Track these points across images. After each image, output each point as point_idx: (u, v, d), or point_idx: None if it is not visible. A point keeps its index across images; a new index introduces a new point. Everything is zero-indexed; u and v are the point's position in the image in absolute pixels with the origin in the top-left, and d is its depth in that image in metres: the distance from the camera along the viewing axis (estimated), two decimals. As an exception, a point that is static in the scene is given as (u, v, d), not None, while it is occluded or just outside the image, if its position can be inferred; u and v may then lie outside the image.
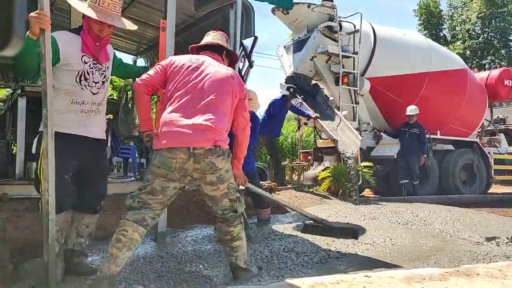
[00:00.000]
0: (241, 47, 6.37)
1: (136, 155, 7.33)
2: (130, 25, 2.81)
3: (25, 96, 4.95)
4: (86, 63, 2.67)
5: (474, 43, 22.43)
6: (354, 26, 7.99)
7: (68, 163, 2.58)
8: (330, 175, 7.13)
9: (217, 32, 3.03)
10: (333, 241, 3.96)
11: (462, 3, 23.75)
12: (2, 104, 9.50)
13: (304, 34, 8.22)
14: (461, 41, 22.87)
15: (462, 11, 23.47)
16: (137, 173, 6.69)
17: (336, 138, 6.97)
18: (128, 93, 8.86)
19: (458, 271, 2.71)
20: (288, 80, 8.03)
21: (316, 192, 7.22)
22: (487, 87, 9.98)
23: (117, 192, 4.94)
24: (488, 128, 10.79)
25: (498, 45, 22.63)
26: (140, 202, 2.47)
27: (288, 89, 7.42)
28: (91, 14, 2.55)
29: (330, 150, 8.24)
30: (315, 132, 8.96)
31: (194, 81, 2.62)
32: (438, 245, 3.88)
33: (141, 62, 9.74)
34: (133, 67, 3.44)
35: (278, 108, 7.18)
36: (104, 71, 2.79)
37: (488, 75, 10.42)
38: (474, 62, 21.62)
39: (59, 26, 6.34)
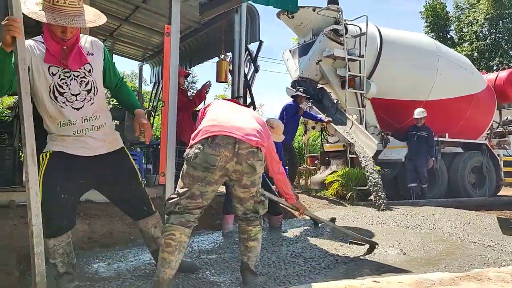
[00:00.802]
0: (247, 52, 6.39)
1: (143, 161, 7.35)
2: (95, 21, 2.31)
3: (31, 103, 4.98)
4: (54, 74, 2.27)
5: (482, 45, 22.26)
6: (360, 29, 7.96)
7: (69, 180, 2.35)
8: (337, 178, 7.09)
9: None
10: (341, 245, 3.91)
11: (469, 5, 23.60)
12: (9, 111, 9.58)
13: (310, 37, 8.20)
14: (469, 42, 22.70)
15: (469, 13, 23.31)
16: (143, 179, 6.70)
17: (352, 141, 6.86)
18: (134, 99, 8.95)
19: (468, 275, 2.65)
20: (294, 84, 8.01)
21: (324, 196, 7.18)
22: (496, 88, 9.87)
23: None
24: (497, 130, 10.67)
25: (506, 46, 22.44)
26: (180, 207, 2.48)
27: (297, 90, 7.34)
28: (44, 18, 2.13)
29: (337, 154, 8.20)
30: (322, 136, 8.92)
31: (235, 107, 2.92)
32: (448, 249, 3.82)
33: (146, 68, 9.80)
34: (129, 95, 2.72)
35: (290, 113, 7.10)
36: (84, 77, 2.35)
37: (496, 76, 10.33)
38: (482, 63, 21.45)
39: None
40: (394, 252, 3.71)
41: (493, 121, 9.95)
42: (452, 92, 8.62)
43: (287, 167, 7.30)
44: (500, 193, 9.85)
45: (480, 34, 22.74)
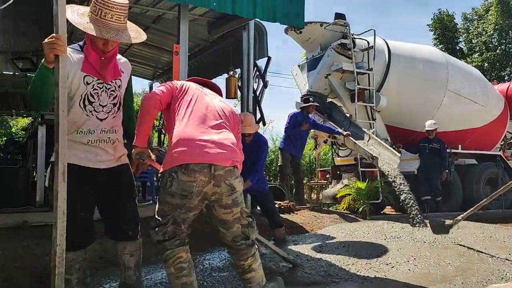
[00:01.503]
0: (255, 68, 6.43)
1: (154, 178, 7.36)
2: (137, 37, 2.39)
3: (45, 124, 5.06)
4: (88, 84, 2.34)
5: (492, 55, 22.09)
6: (368, 42, 7.97)
7: (85, 196, 2.38)
8: (349, 192, 7.02)
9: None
10: (356, 261, 3.85)
11: (477, 16, 23.55)
12: (23, 132, 9.75)
13: (318, 52, 8.24)
14: (479, 53, 22.56)
15: (477, 24, 23.23)
16: (155, 197, 6.71)
17: (376, 155, 6.74)
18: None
19: (486, 291, 2.58)
20: (303, 98, 8.01)
21: (336, 210, 7.11)
22: (508, 99, 9.75)
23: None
24: (511, 141, 10.50)
25: (516, 56, 22.27)
26: (169, 234, 2.41)
27: (306, 100, 7.23)
28: (92, 31, 2.22)
29: (348, 167, 8.13)
30: (332, 150, 8.88)
31: (205, 102, 2.57)
32: (465, 265, 3.73)
33: (157, 86, 9.88)
34: (133, 121, 2.71)
35: (293, 122, 6.99)
36: (113, 90, 2.43)
37: (508, 86, 10.20)
38: (493, 74, 21.26)
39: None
40: (408, 268, 3.64)
41: (507, 131, 9.80)
42: (464, 104, 8.54)
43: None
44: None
45: (490, 45, 22.60)
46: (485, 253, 4.11)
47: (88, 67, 2.33)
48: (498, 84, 10.96)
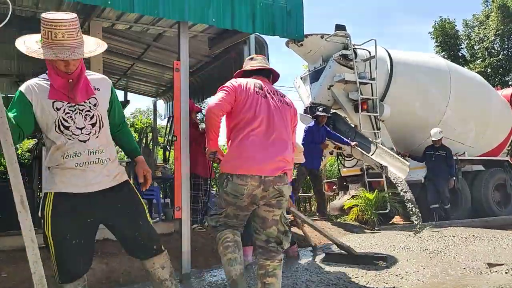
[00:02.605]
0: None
1: (160, 195, 7.36)
2: (95, 49, 2.27)
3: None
4: (58, 109, 2.24)
5: (495, 61, 22.04)
6: (369, 52, 7.99)
7: (81, 223, 2.28)
8: (356, 204, 6.95)
9: (259, 56, 3.22)
10: (365, 273, 3.80)
11: (478, 22, 23.58)
12: (29, 154, 9.80)
13: (320, 64, 8.26)
14: (481, 59, 22.51)
15: (479, 30, 23.25)
16: (162, 214, 6.68)
17: (385, 164, 6.72)
18: (149, 134, 9.04)
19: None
20: (307, 110, 8.01)
21: (344, 222, 7.04)
22: (512, 103, 9.69)
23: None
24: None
25: (519, 61, 22.21)
26: (221, 223, 2.81)
27: (316, 110, 7.25)
28: (46, 55, 2.11)
29: (355, 178, 8.08)
30: (338, 161, 8.83)
31: (264, 110, 2.76)
32: (476, 276, 3.66)
33: (160, 103, 9.96)
34: (130, 140, 2.66)
35: (309, 135, 7.02)
36: (88, 111, 2.31)
37: (512, 91, 10.16)
38: (496, 79, 21.19)
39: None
40: (418, 279, 3.57)
41: (513, 136, 9.72)
42: (468, 110, 8.50)
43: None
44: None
45: (492, 51, 22.57)
46: (498, 264, 4.02)
47: (55, 93, 2.24)
48: (502, 89, 10.92)
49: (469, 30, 24.05)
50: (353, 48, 7.84)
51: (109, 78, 8.02)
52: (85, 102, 2.30)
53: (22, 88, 2.23)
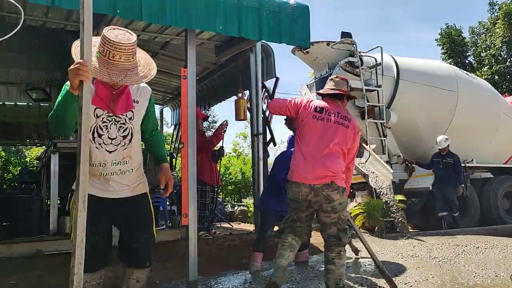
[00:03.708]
0: (264, 89, 6.46)
1: (167, 203, 7.35)
2: (144, 75, 2.31)
3: (57, 153, 5.11)
4: (98, 116, 2.32)
5: (502, 68, 21.96)
6: (375, 59, 7.98)
7: (99, 222, 2.40)
8: (362, 211, 6.91)
9: (338, 78, 3.59)
10: (375, 281, 3.76)
11: (485, 29, 23.53)
12: (37, 161, 9.87)
13: (326, 71, 8.25)
14: (488, 66, 22.44)
15: (485, 37, 23.20)
16: (168, 221, 6.68)
17: (366, 172, 6.78)
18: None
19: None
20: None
21: (351, 230, 6.97)
22: (521, 110, 9.60)
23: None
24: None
25: (527, 68, 22.08)
26: (286, 225, 3.43)
27: None
28: (102, 76, 2.17)
29: (361, 185, 8.02)
30: (344, 168, 8.78)
31: (318, 129, 3.32)
32: (488, 282, 3.62)
33: (167, 110, 10.00)
34: (160, 146, 2.77)
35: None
36: (123, 123, 2.39)
37: (520, 97, 10.09)
38: (504, 86, 21.08)
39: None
40: (427, 287, 3.53)
41: (522, 143, 9.62)
42: (475, 117, 8.44)
43: None
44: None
45: (499, 57, 22.49)
46: (508, 272, 3.97)
47: (98, 100, 2.30)
48: (510, 96, 10.84)
49: (476, 37, 24.01)
50: (359, 55, 7.84)
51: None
52: (122, 115, 2.37)
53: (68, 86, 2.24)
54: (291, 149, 3.89)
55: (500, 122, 8.80)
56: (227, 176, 13.12)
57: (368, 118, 7.59)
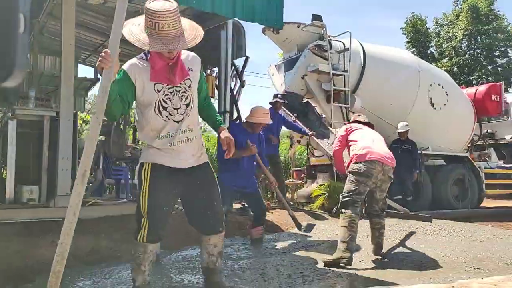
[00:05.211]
0: (233, 67, 6.45)
1: (129, 176, 7.28)
2: (193, 36, 2.39)
3: (15, 120, 4.93)
4: (159, 91, 2.45)
5: (461, 60, 22.79)
6: (344, 44, 8.11)
7: (170, 193, 2.59)
8: (324, 192, 7.12)
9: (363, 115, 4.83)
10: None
11: (448, 21, 24.24)
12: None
13: (295, 53, 8.32)
14: (448, 58, 23.22)
15: (448, 29, 23.92)
16: (130, 195, 6.63)
17: (332, 154, 6.91)
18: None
19: (453, 286, 2.69)
20: (281, 98, 8.07)
21: (310, 209, 7.19)
22: (475, 102, 10.10)
23: (109, 215, 4.87)
24: (478, 143, 10.89)
25: (484, 62, 23.04)
26: (352, 200, 3.87)
27: (275, 96, 7.20)
28: (158, 47, 2.28)
29: (323, 167, 8.24)
30: (308, 150, 8.98)
31: (366, 133, 4.26)
32: (434, 261, 3.88)
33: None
34: (214, 111, 2.92)
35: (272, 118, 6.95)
36: (184, 92, 2.50)
37: (476, 90, 10.57)
38: (461, 78, 21.93)
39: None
40: (382, 265, 3.75)
41: (474, 134, 10.16)
42: (435, 106, 8.79)
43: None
44: (482, 204, 10.02)
45: (460, 50, 23.30)
46: (455, 251, 4.27)
47: (156, 75, 2.42)
48: (466, 88, 11.34)
49: (439, 28, 24.69)
50: (328, 39, 7.93)
51: (79, 53, 7.86)
52: (181, 83, 2.50)
53: (125, 67, 2.44)
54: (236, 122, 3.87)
55: (457, 113, 9.23)
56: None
57: (333, 102, 7.75)
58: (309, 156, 9.06)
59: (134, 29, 2.32)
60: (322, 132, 7.44)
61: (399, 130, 7.92)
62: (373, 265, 3.76)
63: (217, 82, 6.15)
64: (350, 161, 4.03)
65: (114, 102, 2.29)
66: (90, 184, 6.92)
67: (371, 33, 62.16)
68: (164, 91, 2.45)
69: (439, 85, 9.04)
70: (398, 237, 4.93)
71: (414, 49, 23.38)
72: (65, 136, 4.67)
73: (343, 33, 8.27)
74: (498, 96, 10.39)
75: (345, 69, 7.96)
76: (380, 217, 4.08)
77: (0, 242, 3.75)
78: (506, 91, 12.74)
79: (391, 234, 5.04)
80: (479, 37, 22.78)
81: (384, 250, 4.18)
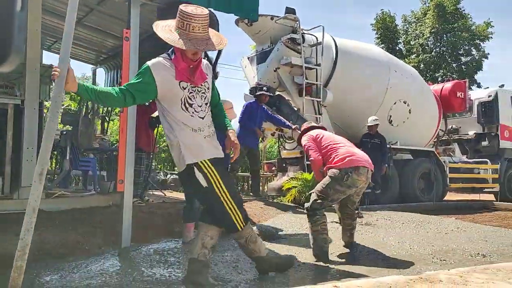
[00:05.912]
0: (206, 58, 6.35)
1: (96, 168, 7.09)
2: (220, 42, 2.66)
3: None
4: (184, 88, 2.66)
5: (428, 57, 23.40)
6: (317, 38, 8.15)
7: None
8: (294, 185, 7.17)
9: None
10: (303, 250, 3.98)
11: (416, 19, 24.81)
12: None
13: (268, 45, 8.30)
14: (416, 54, 23.80)
15: (416, 26, 24.49)
16: (97, 187, 6.47)
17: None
18: (88, 104, 8.63)
19: (421, 278, 2.77)
20: (252, 91, 8.05)
21: (281, 202, 7.24)
22: (441, 98, 10.40)
23: (77, 207, 4.75)
24: (443, 138, 11.25)
25: (449, 59, 23.75)
26: (323, 206, 3.81)
27: (260, 89, 7.10)
28: (188, 46, 2.50)
29: (294, 160, 8.30)
30: (279, 142, 9.01)
31: (337, 138, 4.17)
32: (403, 254, 3.98)
33: (100, 71, 9.50)
34: (225, 115, 3.12)
35: (248, 113, 6.83)
36: (203, 92, 2.75)
37: (442, 87, 10.88)
38: (428, 75, 22.53)
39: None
40: (353, 259, 3.81)
41: (440, 129, 10.47)
42: (403, 101, 8.99)
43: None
44: (446, 198, 10.38)
45: (426, 47, 23.91)
46: (422, 244, 4.39)
47: (181, 75, 2.64)
48: (432, 84, 11.66)
49: (407, 26, 25.23)
50: (302, 33, 7.95)
51: (45, 40, 7.56)
52: (201, 84, 2.73)
53: (150, 63, 2.64)
54: None
55: (424, 109, 9.48)
56: (160, 143, 12.89)
57: (305, 96, 7.79)
58: (280, 149, 9.11)
59: (166, 30, 2.57)
60: (300, 126, 7.44)
61: (369, 124, 8.06)
62: (344, 259, 3.82)
63: (190, 73, 6.05)
64: (333, 165, 3.82)
65: (98, 99, 2.51)
66: (56, 176, 6.71)
67: (344, 29, 62.89)
68: (188, 89, 2.66)
69: (408, 80, 9.23)
70: (368, 229, 5.03)
71: (383, 45, 23.81)
72: (30, 125, 4.49)
73: (316, 27, 8.32)
74: (463, 93, 10.74)
75: (318, 63, 8.01)
76: (352, 218, 4.08)
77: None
78: (470, 88, 13.14)
79: (360, 228, 5.14)
80: (445, 35, 23.45)
81: (354, 243, 4.25)
